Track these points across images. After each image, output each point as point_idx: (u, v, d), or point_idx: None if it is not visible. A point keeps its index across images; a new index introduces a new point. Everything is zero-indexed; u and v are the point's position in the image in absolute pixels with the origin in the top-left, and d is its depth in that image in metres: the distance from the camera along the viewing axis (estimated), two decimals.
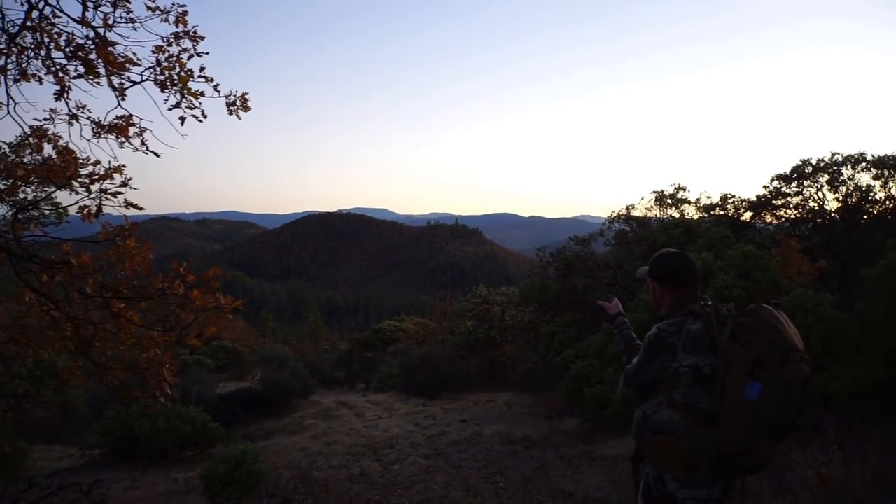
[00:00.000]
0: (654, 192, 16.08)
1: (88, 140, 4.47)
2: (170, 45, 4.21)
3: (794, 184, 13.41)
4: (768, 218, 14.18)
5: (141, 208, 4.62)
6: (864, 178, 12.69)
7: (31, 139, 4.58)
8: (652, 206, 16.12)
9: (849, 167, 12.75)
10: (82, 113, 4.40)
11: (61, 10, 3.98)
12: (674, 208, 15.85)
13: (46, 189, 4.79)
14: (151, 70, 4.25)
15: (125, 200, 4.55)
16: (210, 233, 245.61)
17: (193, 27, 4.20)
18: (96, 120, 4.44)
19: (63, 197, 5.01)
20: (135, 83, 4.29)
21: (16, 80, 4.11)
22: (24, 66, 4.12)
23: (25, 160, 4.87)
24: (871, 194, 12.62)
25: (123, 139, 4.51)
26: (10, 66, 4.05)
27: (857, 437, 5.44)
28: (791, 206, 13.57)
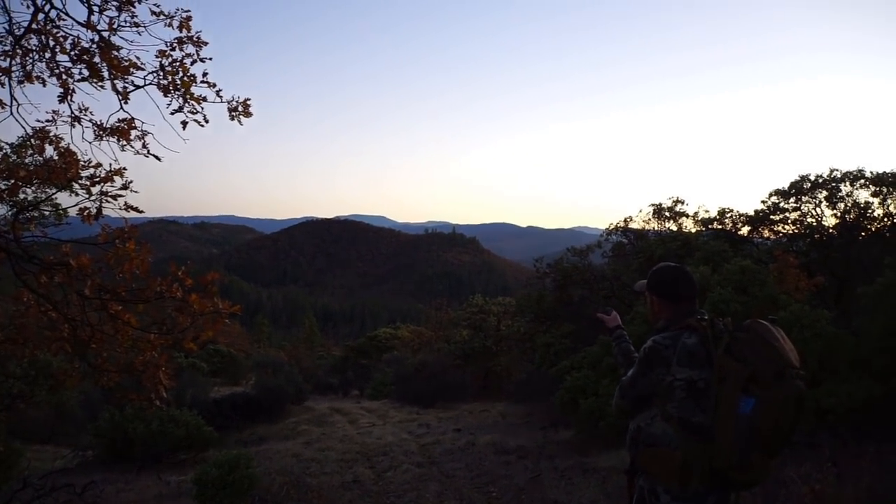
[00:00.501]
0: (653, 205, 16.11)
1: (90, 142, 4.47)
2: (173, 49, 4.21)
3: (792, 199, 13.43)
4: (766, 233, 14.19)
5: (141, 211, 4.62)
6: (863, 195, 12.69)
7: (32, 140, 4.59)
8: (650, 219, 16.16)
9: (847, 184, 12.76)
10: (85, 115, 4.41)
11: (67, 14, 3.99)
12: (671, 221, 15.88)
13: (47, 190, 4.80)
14: (154, 74, 4.26)
15: (125, 203, 4.55)
16: (208, 237, 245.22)
17: (197, 32, 4.21)
18: (98, 122, 4.45)
19: (63, 198, 5.02)
20: (138, 87, 4.30)
21: (20, 82, 4.12)
22: (28, 68, 4.13)
23: (27, 161, 4.88)
24: (870, 211, 12.63)
25: (125, 142, 4.52)
26: (14, 68, 4.06)
27: (852, 454, 5.45)
28: (789, 221, 13.59)
